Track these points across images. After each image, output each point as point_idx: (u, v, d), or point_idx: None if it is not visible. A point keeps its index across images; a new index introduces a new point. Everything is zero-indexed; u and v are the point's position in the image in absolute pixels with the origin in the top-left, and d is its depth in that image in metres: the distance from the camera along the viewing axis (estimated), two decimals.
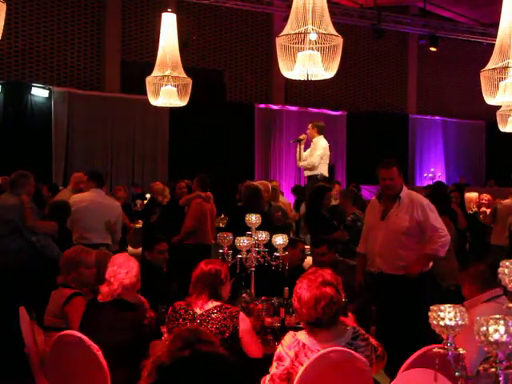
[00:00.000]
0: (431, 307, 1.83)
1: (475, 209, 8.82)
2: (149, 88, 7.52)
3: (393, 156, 5.48)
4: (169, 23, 7.42)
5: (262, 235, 4.21)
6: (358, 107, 15.95)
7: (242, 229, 4.39)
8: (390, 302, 4.62)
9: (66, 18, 12.82)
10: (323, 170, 8.27)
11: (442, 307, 1.82)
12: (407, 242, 4.64)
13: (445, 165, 17.02)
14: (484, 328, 1.65)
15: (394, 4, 15.01)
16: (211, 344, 1.68)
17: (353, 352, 2.75)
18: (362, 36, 15.20)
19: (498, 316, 1.67)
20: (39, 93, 12.35)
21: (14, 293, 5.18)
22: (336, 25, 5.03)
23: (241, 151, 13.93)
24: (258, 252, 4.19)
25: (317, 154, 8.16)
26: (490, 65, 5.83)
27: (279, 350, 2.85)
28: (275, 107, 14.98)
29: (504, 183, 12.50)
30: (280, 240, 4.25)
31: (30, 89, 12.26)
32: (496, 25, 5.96)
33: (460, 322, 1.80)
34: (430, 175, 14.95)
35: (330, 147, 8.64)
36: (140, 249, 6.71)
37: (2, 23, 4.31)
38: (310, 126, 8.40)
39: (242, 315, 3.37)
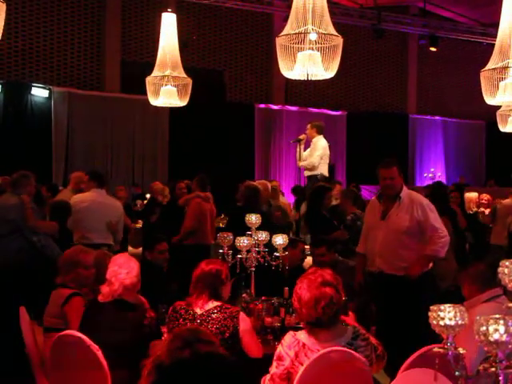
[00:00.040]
0: (431, 307, 1.84)
1: (475, 209, 8.82)
2: (149, 88, 7.52)
3: (393, 156, 5.48)
4: (169, 23, 7.42)
5: (262, 235, 4.21)
6: (358, 107, 15.95)
7: (241, 229, 4.39)
8: (390, 301, 4.62)
9: (65, 18, 12.82)
10: (323, 169, 8.27)
11: (442, 307, 1.82)
12: (407, 241, 4.65)
13: (445, 165, 17.03)
14: (484, 328, 1.65)
15: (393, 4, 15.01)
16: (211, 344, 1.68)
17: (353, 352, 2.75)
18: (362, 36, 15.20)
19: (497, 316, 1.67)
20: (39, 93, 12.36)
21: (14, 293, 5.18)
22: (336, 25, 5.03)
23: (241, 151, 13.93)
24: (258, 252, 4.20)
25: (316, 154, 8.16)
26: (490, 65, 5.84)
27: (279, 349, 2.85)
28: (275, 107, 14.98)
29: (504, 183, 12.50)
30: (280, 240, 4.25)
31: (30, 89, 12.26)
32: (496, 25, 5.96)
33: (460, 322, 1.80)
34: (430, 175, 14.95)
35: (330, 147, 8.64)
36: (140, 249, 6.71)
37: (2, 23, 4.31)
38: (309, 126, 8.40)
39: (242, 315, 3.37)
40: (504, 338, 1.63)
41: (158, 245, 5.04)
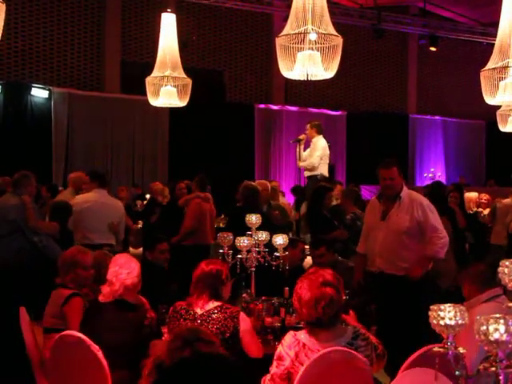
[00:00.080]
0: (431, 307, 1.84)
1: (475, 209, 8.82)
2: (149, 88, 7.52)
3: (393, 156, 5.48)
4: (168, 23, 7.42)
5: (262, 235, 4.21)
6: (358, 107, 15.95)
7: (241, 229, 4.39)
8: (390, 301, 4.62)
9: (65, 18, 12.83)
10: (323, 170, 8.28)
11: (442, 307, 1.82)
12: (408, 241, 4.65)
13: (445, 165, 17.03)
14: (484, 327, 1.65)
15: (393, 4, 15.01)
16: (211, 344, 1.68)
17: (353, 352, 2.75)
18: (362, 36, 15.20)
19: (498, 315, 1.67)
20: (39, 93, 12.36)
21: (14, 293, 5.18)
22: (336, 25, 5.03)
23: (241, 151, 13.93)
24: (259, 252, 4.20)
25: (316, 154, 8.17)
26: (490, 64, 5.84)
27: (279, 349, 2.85)
28: (275, 107, 14.98)
29: (504, 183, 12.48)
30: (280, 240, 4.25)
31: (30, 89, 12.26)
32: (496, 24, 5.96)
33: (460, 322, 1.80)
34: (430, 175, 14.96)
35: (330, 147, 8.64)
36: (140, 249, 6.71)
37: (2, 23, 4.31)
38: (308, 126, 8.41)
39: (242, 315, 3.38)
40: (504, 337, 1.63)
41: (158, 245, 5.04)
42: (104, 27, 13.14)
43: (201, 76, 12.01)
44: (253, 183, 6.58)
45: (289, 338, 2.86)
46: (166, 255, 5.06)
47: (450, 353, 1.80)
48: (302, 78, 5.06)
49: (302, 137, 8.45)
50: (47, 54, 12.69)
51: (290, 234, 7.12)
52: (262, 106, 14.85)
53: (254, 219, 4.30)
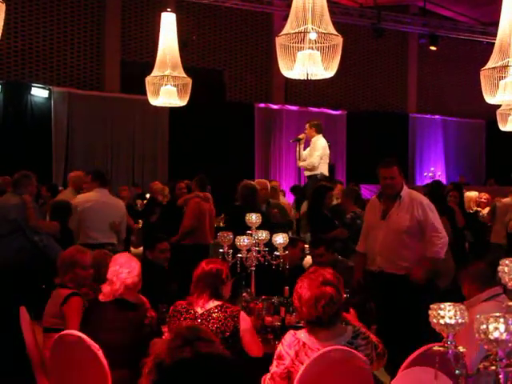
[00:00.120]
0: (431, 306, 1.84)
1: (475, 208, 8.81)
2: (148, 88, 7.52)
3: (393, 155, 5.49)
4: (168, 23, 7.42)
5: (262, 234, 4.21)
6: (358, 106, 15.95)
7: (240, 228, 4.39)
8: (391, 300, 4.62)
9: (65, 18, 12.82)
10: (323, 169, 8.28)
11: (442, 306, 1.82)
12: (408, 241, 4.65)
13: (445, 164, 17.03)
14: (484, 326, 1.65)
15: (393, 3, 15.01)
16: (211, 342, 1.68)
17: (353, 351, 2.75)
18: (362, 35, 15.20)
19: (498, 314, 1.67)
20: (39, 93, 12.36)
21: (15, 293, 5.18)
22: (336, 24, 5.03)
23: (241, 151, 13.93)
24: (259, 251, 4.20)
25: (316, 154, 8.17)
26: (490, 64, 5.84)
27: (279, 348, 2.85)
28: (275, 107, 14.98)
29: (504, 182, 12.49)
30: (280, 239, 4.25)
31: (30, 89, 12.26)
32: (496, 24, 5.97)
33: (460, 321, 1.80)
34: (430, 174, 14.97)
35: (330, 146, 8.64)
36: (140, 248, 6.71)
37: (2, 23, 4.31)
38: (307, 125, 8.42)
39: (242, 314, 3.38)
40: (504, 336, 1.63)
41: (159, 244, 5.04)
42: (104, 27, 13.14)
43: (201, 75, 12.01)
44: (251, 182, 6.58)
45: (289, 337, 2.86)
46: (167, 254, 5.06)
47: (450, 352, 1.81)
48: (302, 77, 5.06)
49: (301, 136, 8.45)
50: (47, 54, 12.69)
51: (290, 233, 7.12)
52: (262, 105, 14.85)
53: (254, 218, 4.30)
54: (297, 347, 2.80)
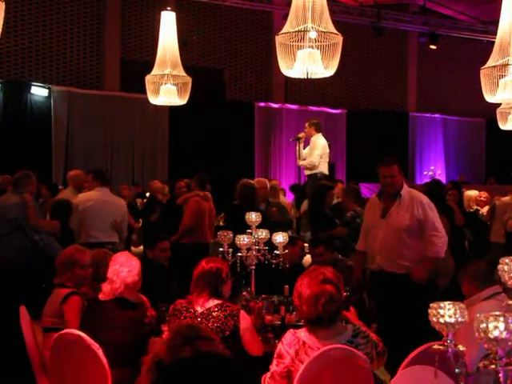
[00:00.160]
0: (431, 304, 1.84)
1: (475, 206, 8.81)
2: (148, 87, 7.52)
3: (393, 154, 5.49)
4: (168, 22, 7.43)
5: (262, 233, 4.21)
6: (358, 105, 15.95)
7: (239, 227, 4.39)
8: (390, 299, 4.63)
9: (65, 16, 12.82)
10: (323, 168, 8.29)
11: (442, 304, 1.82)
12: (408, 239, 4.66)
13: (445, 163, 17.03)
14: (484, 325, 1.65)
15: (393, 2, 15.01)
16: (211, 341, 1.68)
17: (353, 349, 2.75)
18: (362, 34, 15.19)
19: (497, 313, 1.67)
20: (39, 92, 12.35)
21: (15, 292, 5.18)
22: (336, 23, 5.03)
23: (241, 150, 13.93)
24: (258, 250, 4.20)
25: (316, 153, 8.18)
26: (490, 62, 5.84)
27: (279, 347, 2.86)
28: (275, 105, 14.98)
29: (504, 181, 12.49)
30: (280, 238, 4.25)
31: (30, 88, 12.25)
32: (496, 22, 5.97)
33: (460, 319, 1.80)
34: (430, 173, 14.98)
35: (330, 145, 8.65)
36: (141, 247, 6.71)
37: (2, 22, 4.31)
38: (307, 124, 8.44)
39: (242, 313, 3.38)
40: (504, 335, 1.63)
41: (159, 243, 5.04)
42: (104, 25, 13.13)
43: (201, 74, 12.01)
44: (250, 181, 6.58)
45: (289, 336, 2.86)
46: (167, 253, 5.06)
47: (450, 350, 1.80)
48: (302, 76, 5.06)
49: (301, 135, 8.46)
50: (47, 53, 12.68)
51: (290, 232, 7.12)
52: (262, 104, 14.85)
53: (253, 217, 4.30)
54: (297, 346, 2.80)
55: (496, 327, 1.64)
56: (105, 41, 13.15)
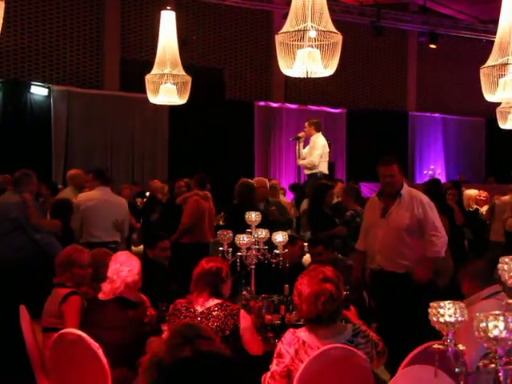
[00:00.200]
0: (431, 304, 1.84)
1: (475, 206, 8.81)
2: (148, 86, 7.52)
3: (393, 153, 5.49)
4: (168, 21, 7.43)
5: (262, 233, 4.21)
6: (358, 105, 15.95)
7: (238, 226, 4.39)
8: (390, 298, 4.63)
9: (65, 16, 12.82)
10: (323, 167, 8.30)
11: (442, 304, 1.82)
12: (408, 239, 4.65)
13: (444, 162, 17.03)
14: (483, 324, 1.65)
15: (393, 1, 15.00)
16: (211, 340, 1.68)
17: (353, 349, 2.75)
18: (362, 33, 15.18)
19: (497, 312, 1.67)
20: (38, 91, 12.35)
21: (15, 291, 5.18)
22: (335, 22, 5.03)
23: (241, 149, 13.93)
24: (258, 250, 4.20)
25: (316, 153, 8.19)
26: (490, 62, 5.84)
27: (279, 347, 2.86)
28: (275, 105, 14.98)
29: (504, 180, 12.50)
30: (280, 237, 4.25)
31: (30, 87, 12.25)
32: (496, 22, 5.97)
33: (460, 319, 1.80)
34: (430, 172, 14.97)
35: (330, 145, 8.65)
36: (141, 247, 6.70)
37: (1, 21, 4.31)
38: (306, 123, 8.45)
39: (242, 313, 3.38)
40: (504, 334, 1.63)
41: (159, 242, 5.04)
42: (103, 25, 13.13)
43: (200, 74, 12.00)
44: (249, 180, 6.58)
45: (288, 335, 2.86)
46: (167, 253, 5.06)
47: (450, 350, 1.81)
48: (302, 75, 5.06)
49: (301, 134, 8.46)
50: (46, 52, 12.68)
51: (290, 232, 7.13)
52: (261, 103, 14.84)
53: (253, 217, 4.30)
54: (296, 345, 2.80)
55: (496, 326, 1.64)
56: (104, 40, 13.15)
